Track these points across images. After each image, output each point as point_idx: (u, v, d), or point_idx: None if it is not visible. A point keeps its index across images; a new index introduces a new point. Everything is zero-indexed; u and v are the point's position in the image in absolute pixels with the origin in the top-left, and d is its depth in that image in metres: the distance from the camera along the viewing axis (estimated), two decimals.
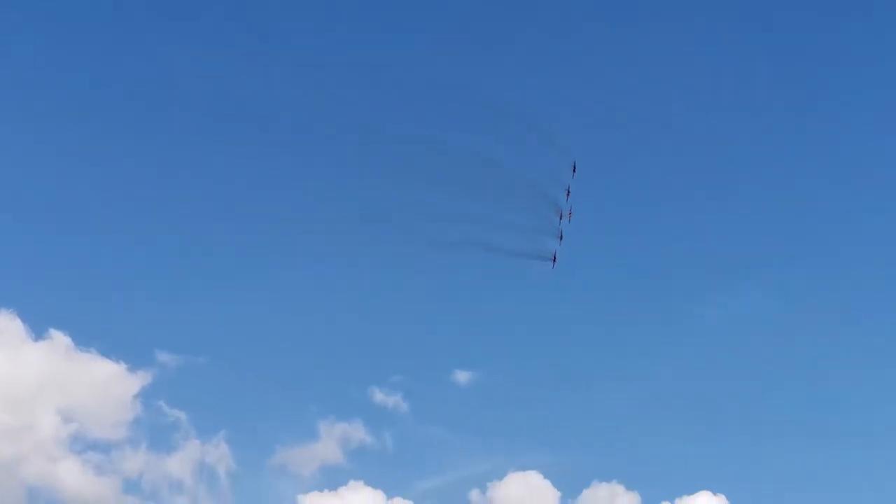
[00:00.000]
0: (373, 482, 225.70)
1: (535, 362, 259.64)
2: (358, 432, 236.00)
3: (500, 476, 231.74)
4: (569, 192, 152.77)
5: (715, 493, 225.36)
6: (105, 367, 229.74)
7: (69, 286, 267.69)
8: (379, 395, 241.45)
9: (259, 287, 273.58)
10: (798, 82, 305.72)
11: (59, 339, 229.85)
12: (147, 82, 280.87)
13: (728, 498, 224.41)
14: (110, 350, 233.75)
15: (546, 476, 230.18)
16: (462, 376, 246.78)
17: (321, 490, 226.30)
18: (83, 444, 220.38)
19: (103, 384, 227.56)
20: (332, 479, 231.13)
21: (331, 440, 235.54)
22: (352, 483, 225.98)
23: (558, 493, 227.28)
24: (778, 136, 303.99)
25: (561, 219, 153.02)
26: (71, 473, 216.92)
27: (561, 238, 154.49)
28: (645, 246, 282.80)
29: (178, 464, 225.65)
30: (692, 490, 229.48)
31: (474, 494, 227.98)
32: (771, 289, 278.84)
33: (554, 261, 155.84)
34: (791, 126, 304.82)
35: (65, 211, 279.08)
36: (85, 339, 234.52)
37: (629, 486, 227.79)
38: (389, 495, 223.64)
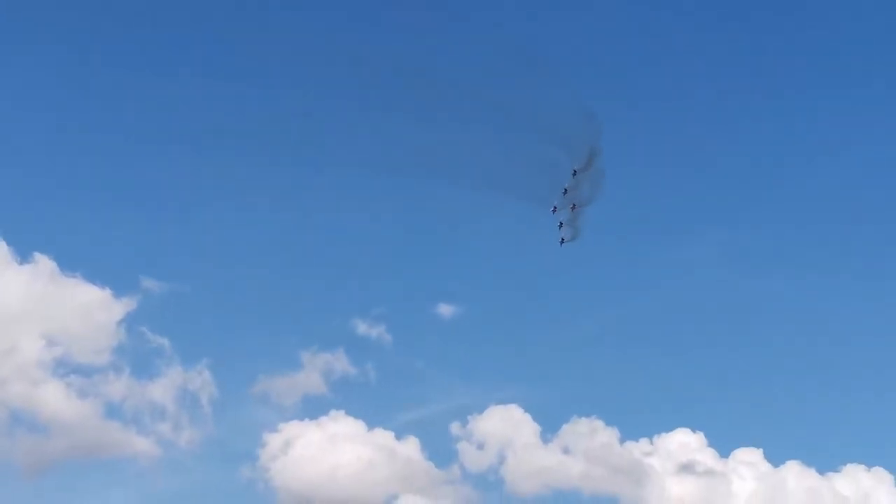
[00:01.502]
0: (354, 412, 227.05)
1: (518, 298, 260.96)
2: (340, 363, 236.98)
3: (481, 409, 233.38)
4: (566, 190, 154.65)
5: (693, 431, 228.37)
6: (90, 293, 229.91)
7: (55, 210, 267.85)
8: (362, 327, 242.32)
9: (245, 217, 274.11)
10: None
11: (44, 263, 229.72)
12: None
13: (706, 435, 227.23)
14: (95, 275, 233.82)
15: (526, 410, 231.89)
16: (445, 310, 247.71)
17: (302, 419, 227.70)
18: (66, 368, 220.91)
19: (87, 309, 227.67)
20: (313, 408, 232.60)
21: (313, 370, 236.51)
22: (333, 413, 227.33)
23: (538, 427, 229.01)
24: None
25: (555, 211, 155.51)
26: (53, 397, 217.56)
27: (561, 225, 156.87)
28: (628, 187, 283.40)
29: (161, 390, 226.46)
30: (670, 427, 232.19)
31: (455, 427, 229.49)
32: (748, 227, 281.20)
33: (561, 241, 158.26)
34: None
35: (53, 134, 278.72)
36: (70, 263, 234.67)
37: (608, 422, 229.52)
38: (370, 426, 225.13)
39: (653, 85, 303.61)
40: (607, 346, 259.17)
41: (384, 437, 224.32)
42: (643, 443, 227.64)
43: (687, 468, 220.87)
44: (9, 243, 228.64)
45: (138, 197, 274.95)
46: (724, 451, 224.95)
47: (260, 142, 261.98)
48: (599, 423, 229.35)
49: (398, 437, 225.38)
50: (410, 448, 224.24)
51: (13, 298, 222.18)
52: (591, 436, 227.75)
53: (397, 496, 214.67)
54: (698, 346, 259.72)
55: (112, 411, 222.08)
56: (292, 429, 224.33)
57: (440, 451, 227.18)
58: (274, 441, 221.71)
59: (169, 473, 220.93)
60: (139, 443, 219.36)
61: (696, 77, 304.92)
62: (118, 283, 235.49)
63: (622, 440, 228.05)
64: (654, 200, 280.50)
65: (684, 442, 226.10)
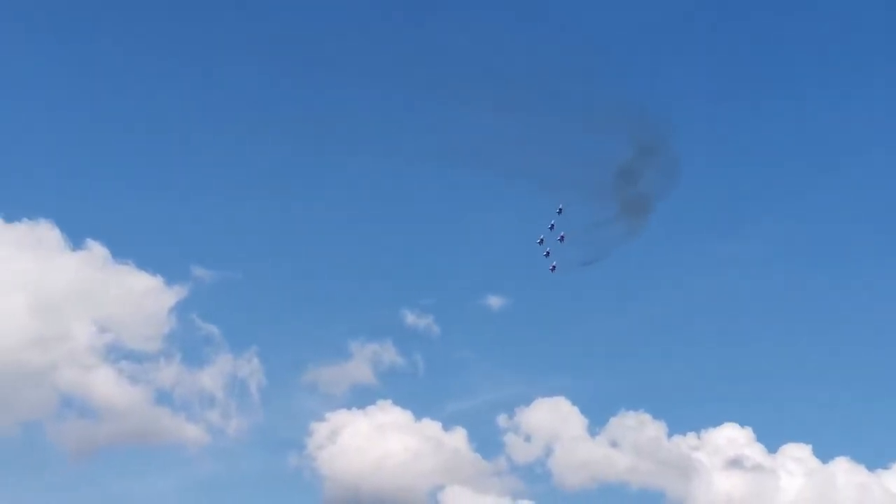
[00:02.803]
0: (402, 402, 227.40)
1: (567, 290, 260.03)
2: (389, 353, 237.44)
3: (528, 401, 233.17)
4: (552, 226, 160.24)
5: (741, 426, 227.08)
6: (141, 280, 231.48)
7: (108, 198, 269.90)
8: (410, 317, 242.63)
9: (296, 207, 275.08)
10: None
11: (97, 250, 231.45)
12: None
13: (754, 430, 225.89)
14: (147, 263, 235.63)
15: (574, 403, 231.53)
16: (494, 301, 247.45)
17: (350, 409, 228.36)
18: (117, 355, 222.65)
19: (139, 296, 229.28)
20: (361, 398, 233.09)
21: (361, 360, 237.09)
22: (381, 402, 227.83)
23: (585, 420, 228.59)
24: None
25: (542, 242, 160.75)
26: (104, 382, 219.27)
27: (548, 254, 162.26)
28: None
29: (210, 378, 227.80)
30: (718, 422, 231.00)
31: (502, 419, 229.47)
32: (797, 222, 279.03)
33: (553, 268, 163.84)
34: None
35: (106, 123, 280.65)
36: (122, 251, 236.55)
37: (656, 416, 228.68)
38: (418, 416, 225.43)
39: (702, 80, 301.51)
40: (656, 339, 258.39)
41: (431, 427, 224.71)
42: (691, 437, 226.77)
43: (735, 463, 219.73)
44: (62, 230, 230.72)
45: (190, 186, 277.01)
46: (772, 446, 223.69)
47: (311, 132, 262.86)
48: (647, 417, 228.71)
49: (445, 427, 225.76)
50: (457, 439, 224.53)
51: (66, 284, 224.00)
52: (638, 429, 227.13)
53: (443, 487, 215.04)
54: (747, 340, 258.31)
55: (162, 398, 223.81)
56: (340, 418, 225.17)
57: (487, 442, 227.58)
58: (321, 430, 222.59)
59: (217, 460, 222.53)
60: (188, 430, 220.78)
61: (744, 72, 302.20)
62: (169, 270, 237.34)
63: (670, 434, 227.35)
64: (704, 194, 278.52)
65: (732, 437, 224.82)
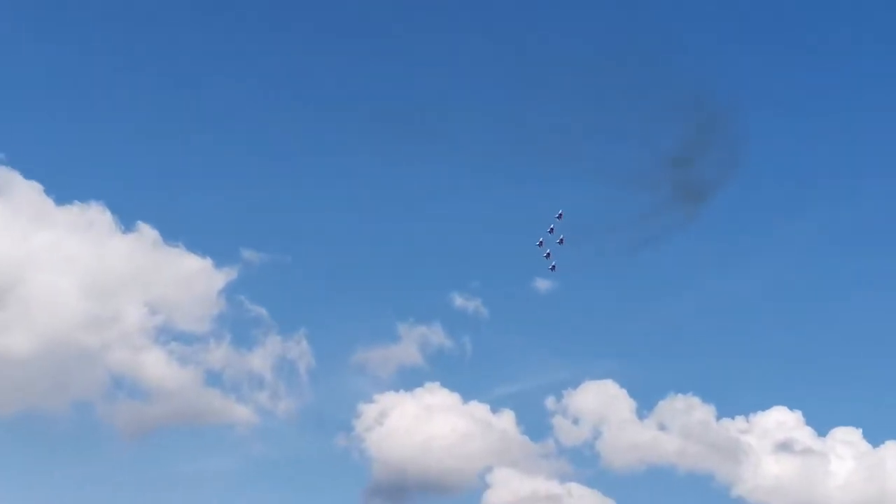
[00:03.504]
0: (450, 385, 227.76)
1: (615, 273, 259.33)
2: (437, 336, 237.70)
3: (576, 385, 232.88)
4: (552, 229, 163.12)
5: (791, 409, 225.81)
6: (191, 262, 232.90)
7: (158, 181, 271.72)
8: (459, 300, 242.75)
9: (345, 189, 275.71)
10: None
11: (147, 233, 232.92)
12: None
13: (804, 414, 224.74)
14: (196, 246, 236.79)
15: (622, 386, 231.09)
16: (542, 284, 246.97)
17: (398, 391, 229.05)
18: (167, 336, 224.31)
19: (189, 279, 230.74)
20: (409, 380, 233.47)
21: (410, 342, 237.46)
22: (429, 385, 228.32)
23: (634, 403, 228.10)
24: None
25: (541, 244, 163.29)
26: (155, 364, 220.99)
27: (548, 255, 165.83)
28: None
29: (260, 359, 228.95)
30: (767, 405, 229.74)
31: (550, 401, 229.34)
32: (851, 206, 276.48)
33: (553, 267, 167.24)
34: None
35: (158, 107, 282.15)
36: (172, 233, 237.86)
37: (705, 399, 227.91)
38: (466, 398, 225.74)
39: (758, 65, 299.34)
40: (705, 322, 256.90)
41: (479, 410, 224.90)
42: (740, 420, 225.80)
43: (784, 447, 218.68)
44: (113, 213, 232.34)
45: (240, 169, 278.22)
46: (821, 430, 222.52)
47: (361, 117, 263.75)
48: (696, 401, 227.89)
49: (493, 410, 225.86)
50: (505, 421, 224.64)
51: (117, 267, 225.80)
52: (687, 413, 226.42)
53: (491, 469, 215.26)
54: (797, 324, 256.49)
55: (212, 379, 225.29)
56: (388, 400, 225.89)
57: (535, 425, 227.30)
58: (369, 411, 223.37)
59: (266, 441, 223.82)
60: (238, 411, 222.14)
61: (801, 56, 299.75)
62: (219, 253, 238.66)
63: (718, 417, 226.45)
64: (757, 179, 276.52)
65: (781, 420, 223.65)
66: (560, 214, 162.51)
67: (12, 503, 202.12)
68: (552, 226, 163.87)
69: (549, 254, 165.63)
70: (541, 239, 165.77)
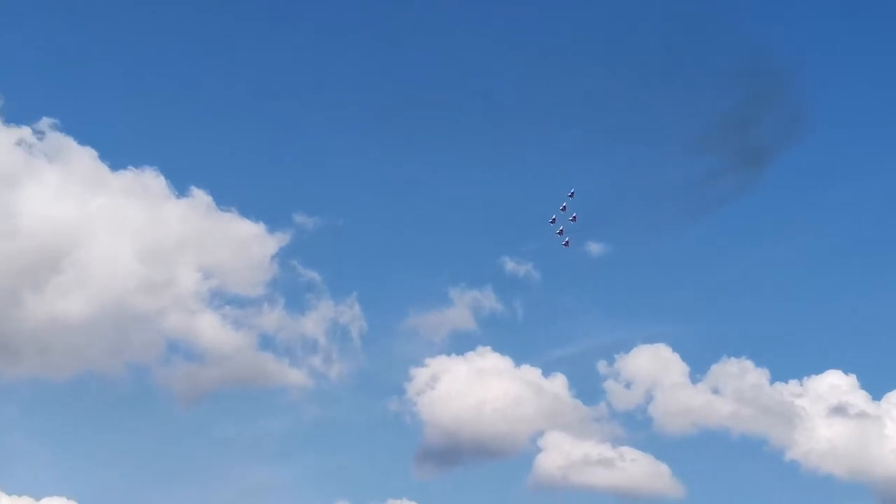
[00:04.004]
0: (501, 349, 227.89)
1: (668, 236, 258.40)
2: (489, 300, 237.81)
3: (629, 348, 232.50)
4: (564, 207, 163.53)
5: (845, 373, 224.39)
6: (244, 227, 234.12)
7: (212, 147, 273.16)
8: (511, 264, 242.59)
9: (396, 153, 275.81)
10: None
11: (201, 198, 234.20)
12: None
13: (858, 377, 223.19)
14: (249, 211, 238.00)
15: (675, 349, 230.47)
16: (594, 247, 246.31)
17: (450, 355, 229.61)
18: (221, 300, 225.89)
19: (242, 243, 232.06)
20: (461, 344, 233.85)
21: (462, 306, 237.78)
22: (480, 349, 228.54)
23: (686, 367, 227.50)
24: None
25: (554, 221, 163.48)
26: (209, 327, 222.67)
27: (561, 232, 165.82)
28: None
29: (312, 323, 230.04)
30: (821, 369, 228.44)
31: (602, 365, 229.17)
32: None
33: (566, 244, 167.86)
34: None
35: (210, 72, 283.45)
36: (225, 198, 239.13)
37: (758, 363, 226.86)
38: (518, 362, 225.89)
39: (822, 22, 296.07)
40: (758, 286, 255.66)
41: (531, 373, 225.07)
42: (793, 384, 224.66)
43: (838, 410, 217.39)
44: (167, 178, 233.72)
45: (292, 133, 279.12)
46: (876, 393, 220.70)
47: (414, 84, 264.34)
48: (749, 364, 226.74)
49: (545, 374, 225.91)
50: (557, 385, 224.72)
51: (171, 232, 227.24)
52: (740, 376, 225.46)
53: (543, 433, 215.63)
54: (851, 287, 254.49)
55: (266, 343, 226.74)
56: (440, 364, 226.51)
57: (587, 388, 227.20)
58: (421, 375, 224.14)
59: (319, 405, 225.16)
60: (291, 374, 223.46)
61: (867, 12, 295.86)
62: (272, 217, 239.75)
63: (772, 381, 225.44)
64: (816, 142, 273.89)
65: (835, 384, 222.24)
66: (572, 193, 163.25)
67: (69, 466, 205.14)
68: (564, 204, 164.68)
69: (561, 230, 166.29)
70: (553, 216, 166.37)
